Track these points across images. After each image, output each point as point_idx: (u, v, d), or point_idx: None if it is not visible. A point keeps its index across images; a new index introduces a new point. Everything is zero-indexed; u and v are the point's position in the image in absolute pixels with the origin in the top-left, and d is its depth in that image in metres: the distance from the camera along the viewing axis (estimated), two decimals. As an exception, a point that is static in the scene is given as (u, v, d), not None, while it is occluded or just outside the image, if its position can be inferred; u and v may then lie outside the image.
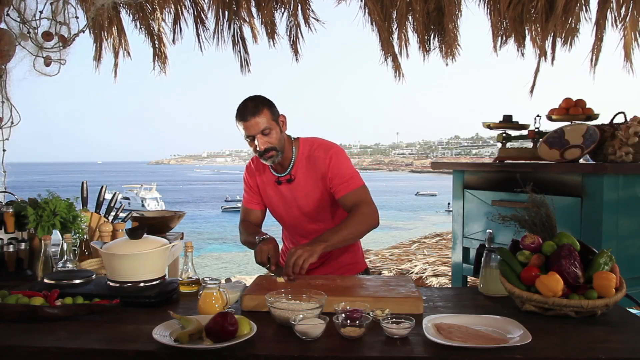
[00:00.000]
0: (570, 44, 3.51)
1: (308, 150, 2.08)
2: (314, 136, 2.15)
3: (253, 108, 1.94)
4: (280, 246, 2.24)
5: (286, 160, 2.07)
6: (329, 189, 2.05)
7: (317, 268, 2.13)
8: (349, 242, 1.96)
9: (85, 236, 2.07)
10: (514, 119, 2.79)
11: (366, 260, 2.34)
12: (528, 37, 3.54)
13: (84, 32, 2.83)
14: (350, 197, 2.01)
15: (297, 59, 3.77)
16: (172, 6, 3.65)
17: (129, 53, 3.78)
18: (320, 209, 2.10)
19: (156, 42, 3.77)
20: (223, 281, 1.68)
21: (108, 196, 2.51)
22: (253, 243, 1.98)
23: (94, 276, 1.74)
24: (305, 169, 2.07)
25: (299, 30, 3.67)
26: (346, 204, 2.02)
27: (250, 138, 1.96)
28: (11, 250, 1.99)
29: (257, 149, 1.96)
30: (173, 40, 3.75)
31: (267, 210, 2.25)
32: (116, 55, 3.74)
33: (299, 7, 3.59)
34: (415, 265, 4.57)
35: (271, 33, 3.68)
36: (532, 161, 2.59)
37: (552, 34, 3.49)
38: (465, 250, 2.84)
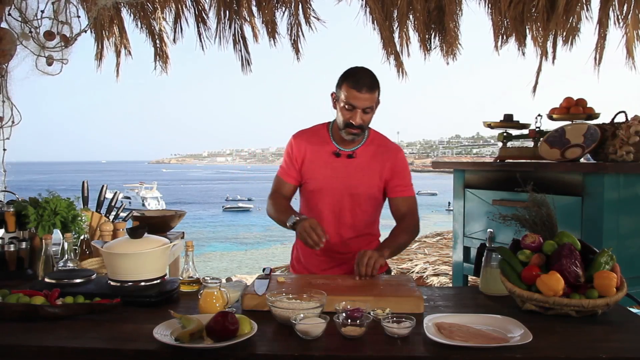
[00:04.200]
0: (571, 43, 3.51)
1: (379, 139, 2.11)
2: None
3: (371, 82, 1.92)
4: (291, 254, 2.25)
5: (354, 141, 2.06)
6: (384, 183, 2.08)
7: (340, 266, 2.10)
8: (400, 251, 2.07)
9: (86, 235, 2.07)
10: (514, 118, 2.79)
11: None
12: (529, 36, 3.53)
13: (86, 31, 2.83)
14: (406, 202, 2.09)
15: (298, 58, 3.77)
16: (173, 5, 3.65)
17: (130, 52, 3.78)
18: (368, 196, 2.07)
19: (157, 41, 3.77)
20: (224, 280, 1.68)
21: (109, 195, 2.51)
22: (283, 221, 1.96)
23: (94, 275, 1.74)
24: (370, 153, 2.07)
25: (299, 30, 3.67)
26: (398, 207, 2.09)
27: (350, 107, 1.93)
28: (12, 249, 1.99)
29: (351, 120, 1.94)
30: (174, 40, 3.75)
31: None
32: (118, 55, 3.74)
33: (300, 6, 3.59)
34: (416, 265, 4.57)
35: (272, 32, 3.68)
36: (533, 160, 2.58)
37: (553, 33, 3.49)
38: (466, 250, 2.84)
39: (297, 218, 1.89)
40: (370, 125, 2.07)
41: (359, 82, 1.90)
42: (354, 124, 1.94)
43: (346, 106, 1.93)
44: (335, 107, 2.02)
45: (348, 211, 2.06)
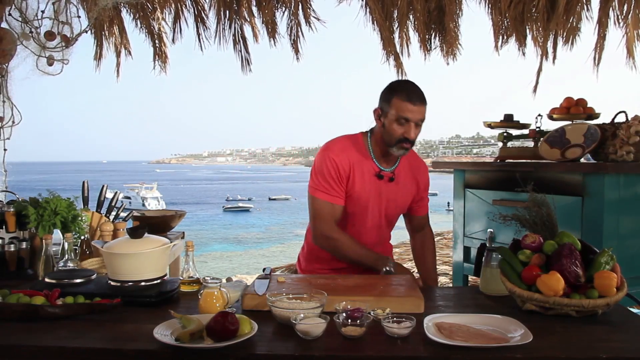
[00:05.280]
0: (572, 43, 3.51)
1: (409, 154, 2.03)
2: None
3: (422, 95, 1.88)
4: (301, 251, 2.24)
5: (393, 156, 1.99)
6: (413, 201, 2.12)
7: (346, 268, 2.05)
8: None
9: (86, 235, 2.07)
10: (514, 118, 2.79)
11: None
12: (529, 36, 3.53)
13: (86, 32, 2.83)
14: (426, 219, 2.23)
15: (297, 58, 3.78)
16: (173, 5, 3.66)
17: (129, 52, 3.78)
18: (399, 213, 2.12)
19: (157, 41, 3.77)
20: (224, 280, 1.68)
21: (109, 195, 2.52)
22: (368, 263, 1.95)
23: (94, 275, 1.74)
24: (405, 171, 2.06)
25: (299, 30, 3.67)
26: (419, 223, 2.21)
27: (404, 121, 1.85)
28: (12, 249, 1.99)
29: (406, 135, 1.87)
30: (173, 40, 3.76)
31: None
32: (118, 55, 3.75)
33: (300, 7, 3.60)
34: (416, 265, 4.55)
35: (272, 32, 3.68)
36: (533, 160, 2.58)
37: (553, 33, 3.49)
38: (466, 250, 2.84)
39: (393, 264, 1.92)
40: None
41: (411, 95, 1.85)
42: (410, 139, 1.88)
43: (400, 120, 1.86)
44: (379, 123, 1.94)
45: (382, 228, 2.09)
